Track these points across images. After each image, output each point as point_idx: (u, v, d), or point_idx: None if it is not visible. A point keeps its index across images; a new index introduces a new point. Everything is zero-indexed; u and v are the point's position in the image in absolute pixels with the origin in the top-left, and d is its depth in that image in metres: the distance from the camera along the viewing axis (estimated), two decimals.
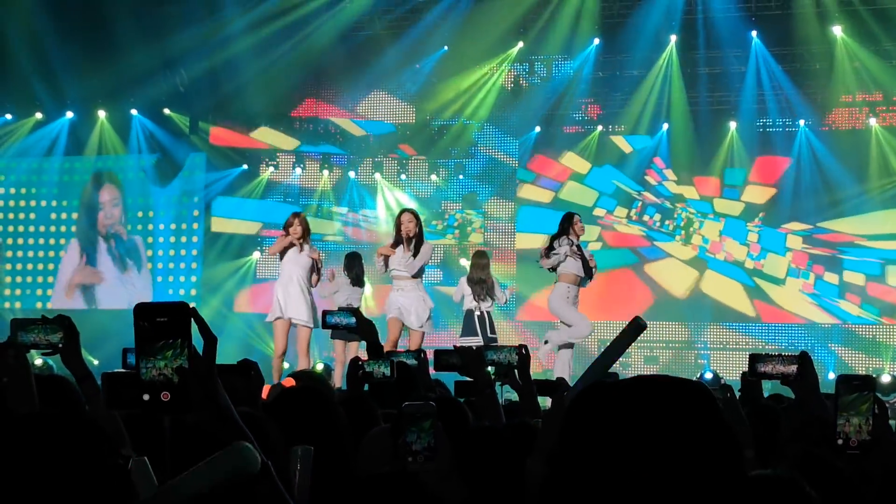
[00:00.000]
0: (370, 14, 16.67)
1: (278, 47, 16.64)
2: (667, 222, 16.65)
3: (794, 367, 3.29)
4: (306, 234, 10.99)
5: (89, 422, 1.91)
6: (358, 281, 12.85)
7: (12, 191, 18.08)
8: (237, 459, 1.96)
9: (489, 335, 11.59)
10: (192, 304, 2.04)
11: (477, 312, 11.76)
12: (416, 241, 10.51)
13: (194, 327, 2.01)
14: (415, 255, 10.46)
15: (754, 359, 3.35)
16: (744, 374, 6.21)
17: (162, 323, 1.97)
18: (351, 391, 4.70)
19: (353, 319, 5.34)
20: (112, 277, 17.80)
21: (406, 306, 10.56)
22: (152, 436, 2.93)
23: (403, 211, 10.93)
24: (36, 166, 17.93)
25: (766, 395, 6.06)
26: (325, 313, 5.54)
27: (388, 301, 10.80)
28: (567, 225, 10.80)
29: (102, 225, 17.86)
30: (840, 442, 2.78)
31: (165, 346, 1.97)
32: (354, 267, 12.88)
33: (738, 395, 6.21)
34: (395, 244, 10.55)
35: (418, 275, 10.58)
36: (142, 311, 1.99)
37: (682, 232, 16.59)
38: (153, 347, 1.97)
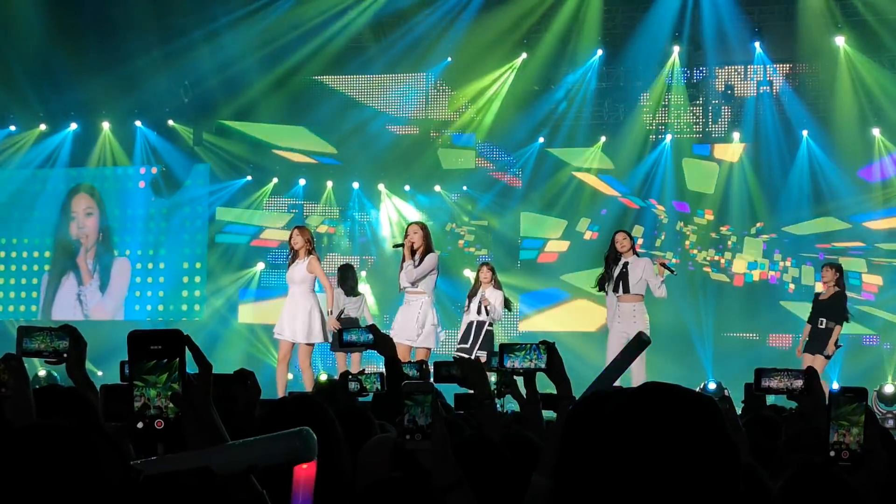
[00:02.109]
0: (374, 25, 16.69)
1: (281, 58, 16.68)
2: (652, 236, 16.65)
3: (799, 382, 3.29)
4: (308, 245, 11.01)
5: (99, 434, 1.90)
6: (352, 291, 12.87)
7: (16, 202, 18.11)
8: (300, 442, 1.98)
9: (469, 345, 11.57)
10: (185, 333, 2.02)
11: (475, 323, 11.76)
12: (423, 253, 10.53)
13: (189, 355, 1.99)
14: (417, 265, 10.48)
15: (760, 373, 3.35)
16: (748, 384, 6.21)
17: (156, 351, 1.96)
18: (344, 404, 4.69)
19: (371, 336, 5.35)
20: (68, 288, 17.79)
21: (401, 324, 10.59)
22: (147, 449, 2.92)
23: (410, 224, 11.01)
24: (40, 178, 17.93)
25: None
26: (341, 331, 5.57)
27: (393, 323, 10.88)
28: (612, 245, 10.98)
29: (75, 235, 17.85)
30: (832, 454, 2.78)
31: (159, 374, 1.96)
32: (348, 279, 12.90)
33: (741, 405, 6.21)
34: (405, 257, 10.62)
35: (426, 287, 10.55)
36: (135, 338, 1.97)
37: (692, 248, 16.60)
38: (147, 375, 1.96)
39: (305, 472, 2.11)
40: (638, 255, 11.08)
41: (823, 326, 11.53)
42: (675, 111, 16.53)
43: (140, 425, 1.96)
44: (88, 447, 1.84)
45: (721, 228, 16.53)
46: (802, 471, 2.61)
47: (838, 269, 11.88)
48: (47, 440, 1.84)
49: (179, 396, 1.94)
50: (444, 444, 2.51)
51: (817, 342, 11.56)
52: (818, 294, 11.90)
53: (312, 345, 10.98)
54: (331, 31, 16.65)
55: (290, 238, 11.14)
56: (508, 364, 3.86)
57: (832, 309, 11.56)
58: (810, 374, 3.29)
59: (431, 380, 5.39)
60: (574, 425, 1.66)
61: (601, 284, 11.11)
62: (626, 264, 10.84)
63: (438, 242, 16.20)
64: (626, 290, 10.78)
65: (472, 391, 5.41)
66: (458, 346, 11.51)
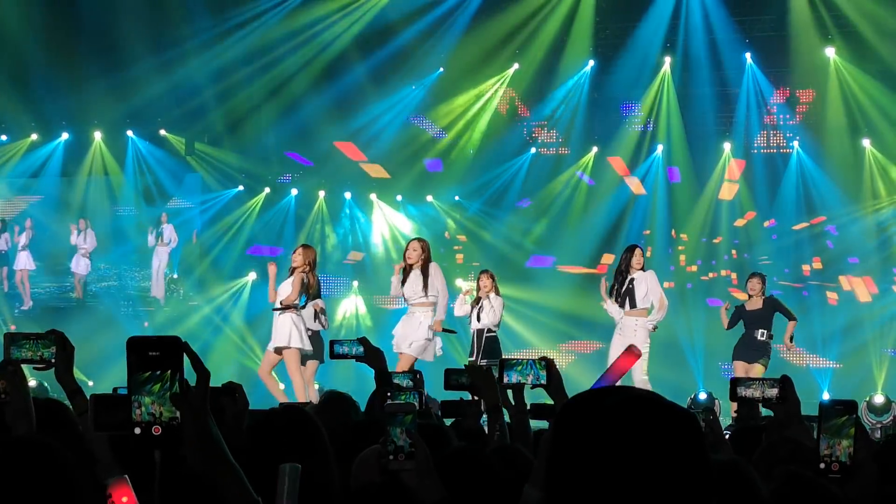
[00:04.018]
0: (366, 35, 16.72)
1: (272, 69, 16.71)
2: None
3: (774, 391, 3.31)
4: (305, 266, 11.11)
5: (72, 446, 1.90)
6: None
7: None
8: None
9: (475, 356, 11.59)
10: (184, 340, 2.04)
11: (475, 331, 11.76)
12: (424, 268, 10.60)
13: (186, 362, 2.01)
14: (424, 283, 10.55)
15: (735, 382, 3.37)
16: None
17: (154, 357, 1.98)
18: (369, 417, 4.69)
19: (361, 348, 5.35)
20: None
21: (402, 335, 10.67)
22: (142, 460, 2.92)
23: (410, 240, 11.14)
24: (31, 188, 17.91)
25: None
26: (332, 343, 5.55)
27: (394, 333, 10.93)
28: (625, 259, 11.03)
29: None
30: (822, 466, 2.79)
31: (157, 380, 1.97)
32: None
33: (734, 414, 6.22)
34: (405, 273, 10.69)
35: (435, 301, 10.64)
36: (134, 345, 1.99)
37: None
38: (145, 381, 1.97)
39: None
40: (644, 270, 11.11)
41: (764, 338, 11.61)
42: (667, 121, 16.57)
43: (137, 431, 1.97)
44: (53, 461, 1.84)
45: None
46: (789, 481, 2.62)
47: (763, 278, 11.99)
48: (11, 455, 1.85)
49: (179, 398, 1.96)
50: (427, 463, 2.54)
51: (754, 351, 11.62)
52: (742, 304, 11.93)
53: (298, 352, 11.06)
54: (323, 42, 16.66)
55: (294, 253, 11.26)
56: (507, 379, 3.89)
57: (768, 317, 11.63)
58: (786, 383, 3.31)
59: (426, 389, 5.40)
60: (561, 428, 1.67)
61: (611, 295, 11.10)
62: (631, 280, 10.92)
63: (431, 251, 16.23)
64: (633, 305, 10.91)
65: (458, 400, 5.42)
66: (469, 360, 11.48)
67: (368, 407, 5.09)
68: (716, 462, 2.40)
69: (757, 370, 11.49)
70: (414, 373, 5.65)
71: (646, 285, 10.93)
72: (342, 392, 5.14)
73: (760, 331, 11.63)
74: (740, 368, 11.61)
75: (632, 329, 10.86)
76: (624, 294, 10.95)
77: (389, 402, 2.64)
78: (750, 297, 11.89)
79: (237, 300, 17.59)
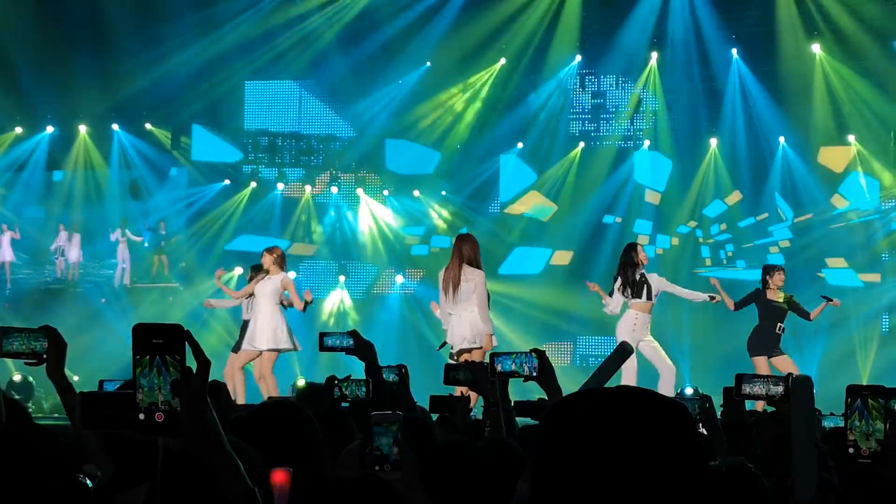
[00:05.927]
0: (354, 30, 16.71)
1: (260, 63, 16.69)
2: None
3: (779, 388, 3.31)
4: (281, 261, 11.22)
5: (52, 439, 1.90)
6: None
7: None
8: None
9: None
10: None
11: None
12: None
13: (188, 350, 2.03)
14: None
15: (740, 379, 3.37)
16: (727, 389, 6.24)
17: (157, 344, 2.00)
18: (327, 409, 4.68)
19: (351, 341, 5.33)
20: None
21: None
22: (141, 461, 2.91)
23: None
24: (16, 181, 17.84)
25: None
26: (322, 335, 5.52)
27: None
28: (631, 255, 10.82)
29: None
30: (851, 451, 2.77)
31: (160, 367, 1.99)
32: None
33: (720, 409, 6.24)
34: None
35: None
36: (138, 331, 2.02)
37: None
38: (148, 368, 1.99)
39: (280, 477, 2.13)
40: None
41: (780, 332, 11.46)
42: (653, 117, 16.61)
43: (141, 416, 2.00)
44: (26, 453, 1.85)
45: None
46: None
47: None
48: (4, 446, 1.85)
49: (180, 385, 1.98)
50: (414, 473, 2.54)
51: (775, 343, 11.36)
52: (764, 292, 11.53)
53: (276, 353, 11.18)
54: (308, 37, 16.65)
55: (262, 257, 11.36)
56: (501, 369, 3.88)
57: (785, 313, 11.48)
58: (791, 381, 3.31)
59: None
60: (548, 428, 1.66)
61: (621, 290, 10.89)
62: (643, 274, 10.85)
63: (420, 248, 16.28)
64: (649, 298, 10.82)
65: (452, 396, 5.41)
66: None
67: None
68: (722, 465, 2.39)
69: (786, 361, 11.25)
70: (399, 367, 5.63)
71: (657, 283, 10.89)
72: (319, 384, 5.14)
73: (779, 325, 11.40)
74: (763, 365, 11.24)
75: (632, 321, 10.72)
76: (640, 284, 10.80)
77: (375, 412, 2.63)
78: (774, 288, 11.49)
79: (222, 295, 17.52)
